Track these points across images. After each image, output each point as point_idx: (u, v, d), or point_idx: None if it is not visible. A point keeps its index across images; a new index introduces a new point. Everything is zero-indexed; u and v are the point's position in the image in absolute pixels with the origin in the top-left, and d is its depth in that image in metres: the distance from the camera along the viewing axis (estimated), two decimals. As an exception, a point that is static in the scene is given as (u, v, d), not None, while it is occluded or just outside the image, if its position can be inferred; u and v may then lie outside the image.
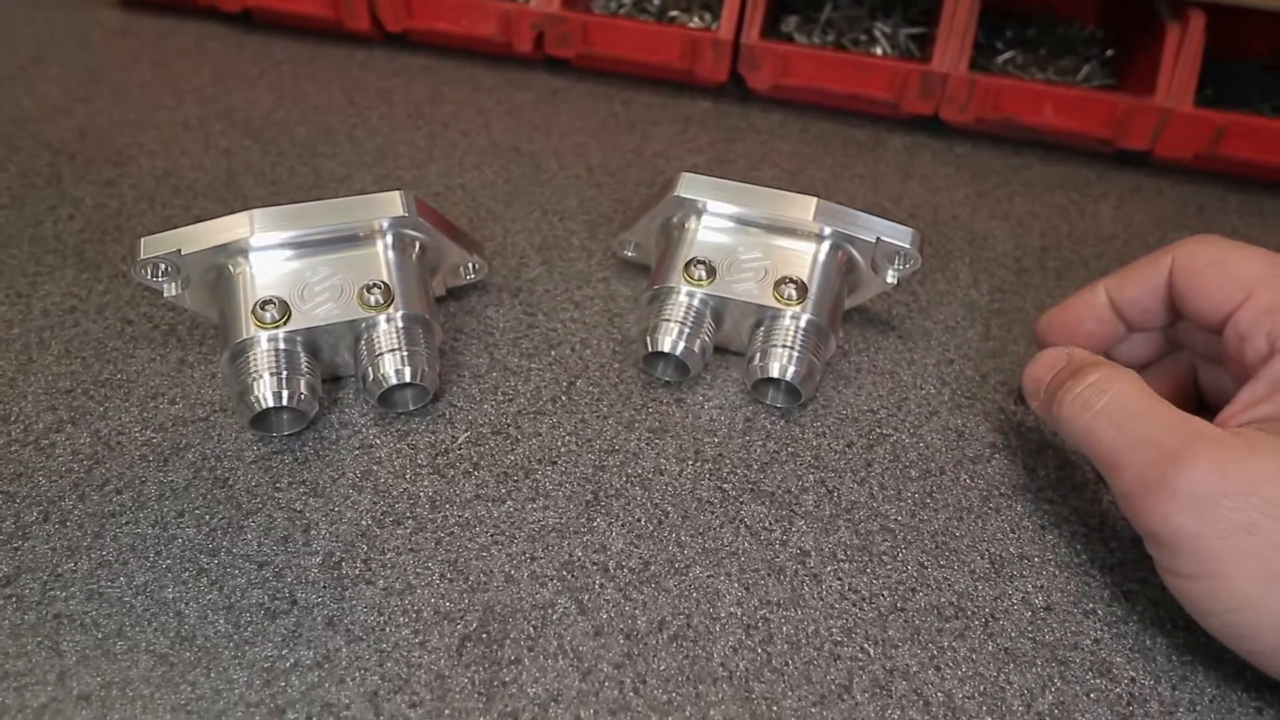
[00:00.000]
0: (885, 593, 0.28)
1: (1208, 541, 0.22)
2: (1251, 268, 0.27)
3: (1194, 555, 0.22)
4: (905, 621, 0.27)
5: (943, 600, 0.28)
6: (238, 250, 0.31)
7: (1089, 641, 0.27)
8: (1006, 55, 0.53)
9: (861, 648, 0.27)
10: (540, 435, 0.32)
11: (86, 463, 0.30)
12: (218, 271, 0.32)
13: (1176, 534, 0.23)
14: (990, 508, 0.31)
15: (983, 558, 0.29)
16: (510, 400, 0.33)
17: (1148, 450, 0.24)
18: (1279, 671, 0.23)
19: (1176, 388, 0.32)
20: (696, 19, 0.53)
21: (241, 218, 0.31)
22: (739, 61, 0.49)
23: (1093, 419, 0.26)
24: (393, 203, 0.33)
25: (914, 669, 0.26)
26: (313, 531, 0.29)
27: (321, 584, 0.27)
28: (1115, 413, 0.25)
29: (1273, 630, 0.22)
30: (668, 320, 0.33)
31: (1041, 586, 0.29)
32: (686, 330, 0.32)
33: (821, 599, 0.28)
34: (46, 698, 0.24)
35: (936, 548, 0.29)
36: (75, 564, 0.27)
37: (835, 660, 0.26)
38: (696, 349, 0.32)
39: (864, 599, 0.28)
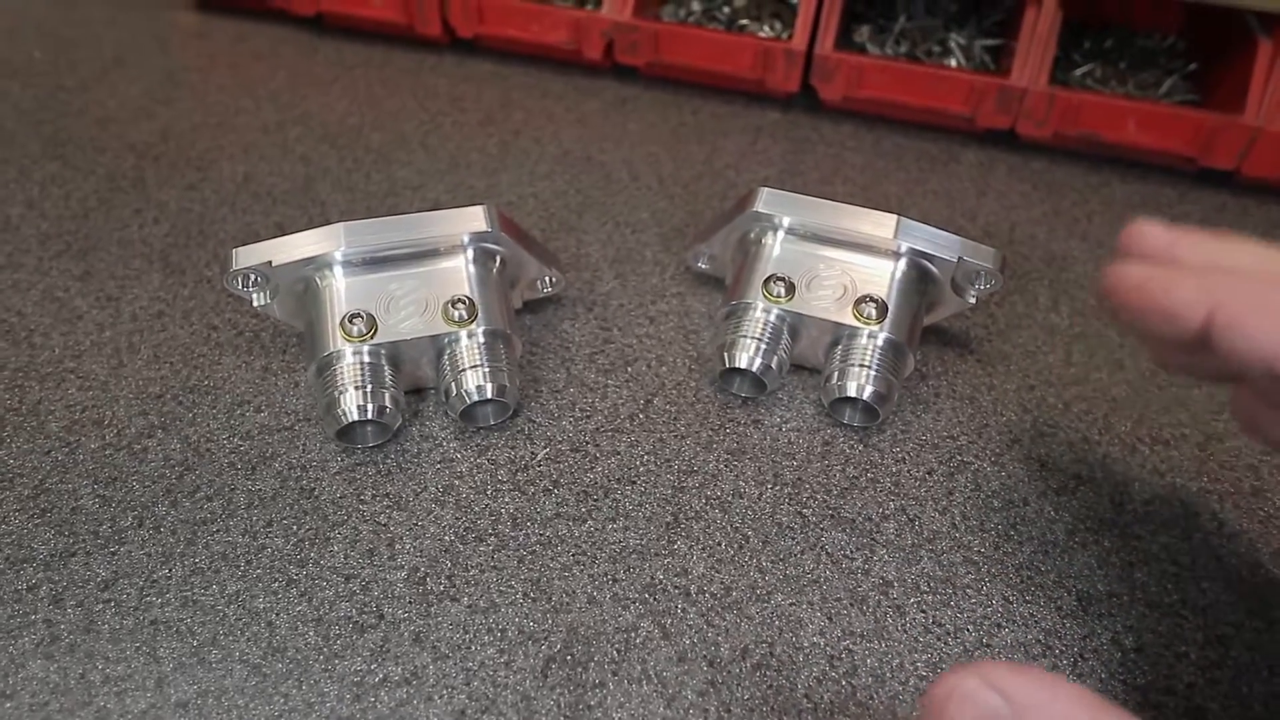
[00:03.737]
0: (970, 627, 0.28)
1: None
2: None
3: None
4: (992, 658, 0.27)
5: (1029, 637, 0.28)
6: (325, 264, 0.32)
7: (1182, 686, 0.27)
8: (1085, 68, 0.51)
9: (947, 684, 0.26)
10: (619, 454, 0.32)
11: (178, 469, 0.31)
12: (305, 284, 0.32)
13: None
14: (1076, 542, 0.30)
15: (1069, 594, 0.29)
16: (588, 417, 0.33)
17: None
18: None
19: None
20: (767, 28, 0.53)
21: (330, 231, 0.32)
22: (811, 72, 0.49)
23: None
24: (476, 218, 0.33)
25: (1001, 708, 0.26)
26: (397, 545, 0.29)
27: (407, 599, 0.28)
28: None
29: None
30: (745, 336, 0.32)
31: (1131, 626, 0.28)
32: (764, 347, 0.32)
33: (905, 631, 0.28)
34: (146, 704, 0.25)
35: (1021, 582, 0.29)
36: (170, 570, 0.28)
37: (920, 696, 0.26)
38: (774, 365, 0.32)
39: (948, 633, 0.28)
